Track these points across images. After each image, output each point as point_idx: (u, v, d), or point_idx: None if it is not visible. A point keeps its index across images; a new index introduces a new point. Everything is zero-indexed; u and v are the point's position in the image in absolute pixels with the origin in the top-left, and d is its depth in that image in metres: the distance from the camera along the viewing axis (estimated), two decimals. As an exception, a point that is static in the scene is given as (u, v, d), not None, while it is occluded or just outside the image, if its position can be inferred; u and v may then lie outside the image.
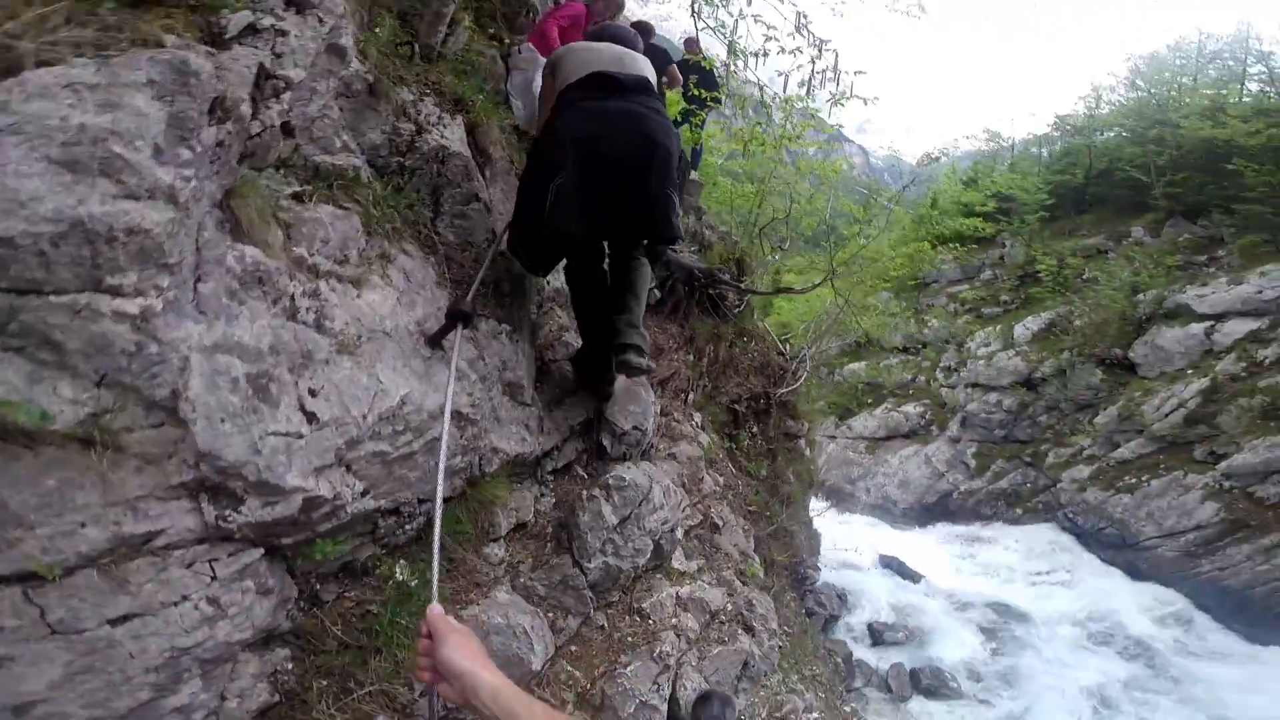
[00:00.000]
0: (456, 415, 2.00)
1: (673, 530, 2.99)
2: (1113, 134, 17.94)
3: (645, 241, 2.79)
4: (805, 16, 5.51)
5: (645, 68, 2.69)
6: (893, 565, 10.25)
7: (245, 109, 1.59)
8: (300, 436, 1.57)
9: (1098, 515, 10.66)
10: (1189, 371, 11.00)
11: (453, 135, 2.74)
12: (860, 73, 5.42)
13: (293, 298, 1.59)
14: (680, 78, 6.45)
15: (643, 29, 6.12)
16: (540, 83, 3.08)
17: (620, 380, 2.99)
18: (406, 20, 3.10)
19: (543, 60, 3.28)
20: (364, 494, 1.88)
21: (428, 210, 2.56)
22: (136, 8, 1.57)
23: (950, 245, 12.11)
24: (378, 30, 2.72)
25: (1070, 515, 11.11)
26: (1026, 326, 13.52)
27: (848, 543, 9.27)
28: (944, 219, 13.72)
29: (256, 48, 1.70)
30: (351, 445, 1.69)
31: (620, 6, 4.33)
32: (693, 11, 6.44)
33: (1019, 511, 11.79)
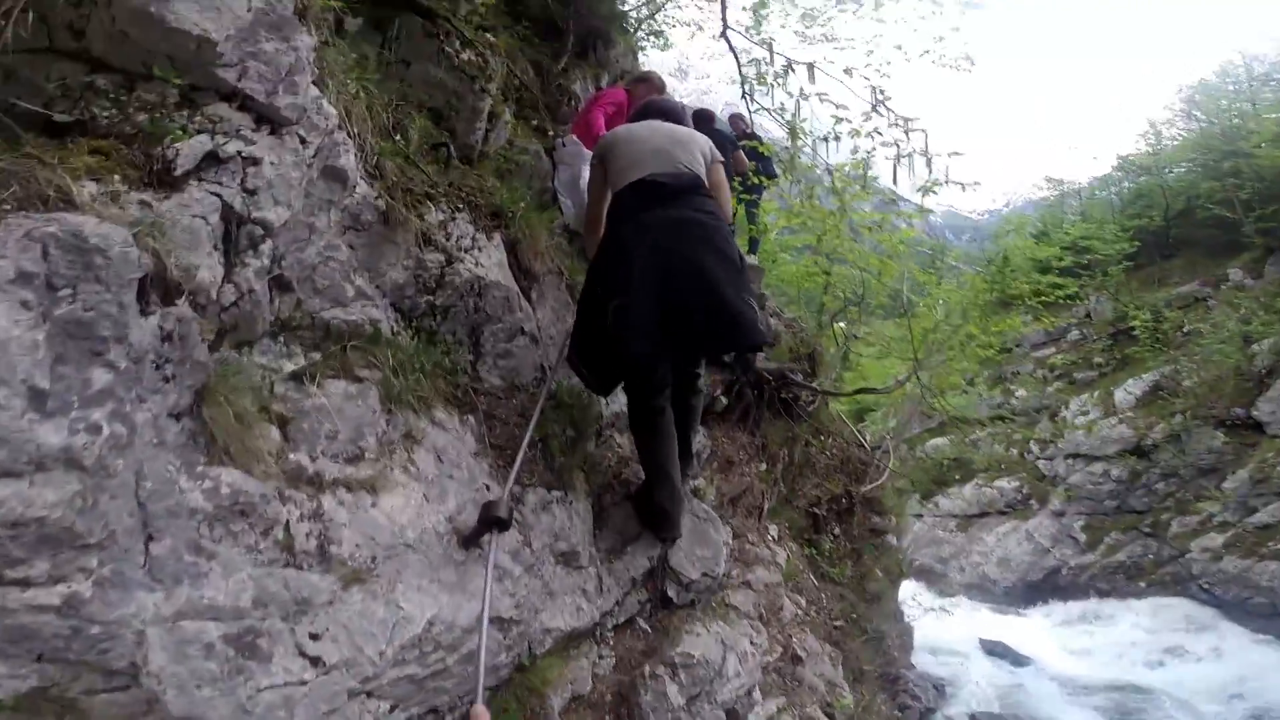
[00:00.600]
0: (497, 620, 1.67)
1: (749, 692, 2.50)
2: (1183, 169, 16.18)
3: (732, 352, 2.49)
4: (883, 93, 4.80)
5: (693, 149, 2.45)
6: (996, 649, 8.79)
7: (207, 275, 1.20)
8: (303, 684, 1.27)
9: (1240, 585, 9.06)
10: (1328, 427, 9.34)
11: (489, 260, 2.38)
12: (956, 154, 4.68)
13: (287, 526, 1.27)
14: (746, 164, 6.08)
15: (704, 117, 5.85)
16: (588, 174, 2.84)
17: (686, 521, 2.60)
18: (441, 118, 2.70)
19: (588, 153, 3.03)
20: (393, 710, 1.56)
21: (467, 354, 2.24)
22: (55, 139, 1.12)
23: (1037, 314, 10.85)
24: (399, 137, 2.30)
25: (1206, 586, 9.43)
26: (1128, 391, 11.80)
27: (942, 628, 8.12)
28: (1019, 278, 12.50)
29: (220, 184, 1.28)
30: (368, 681, 1.38)
31: (662, 88, 4.06)
32: (744, 94, 5.80)
33: (1142, 585, 10.06)
